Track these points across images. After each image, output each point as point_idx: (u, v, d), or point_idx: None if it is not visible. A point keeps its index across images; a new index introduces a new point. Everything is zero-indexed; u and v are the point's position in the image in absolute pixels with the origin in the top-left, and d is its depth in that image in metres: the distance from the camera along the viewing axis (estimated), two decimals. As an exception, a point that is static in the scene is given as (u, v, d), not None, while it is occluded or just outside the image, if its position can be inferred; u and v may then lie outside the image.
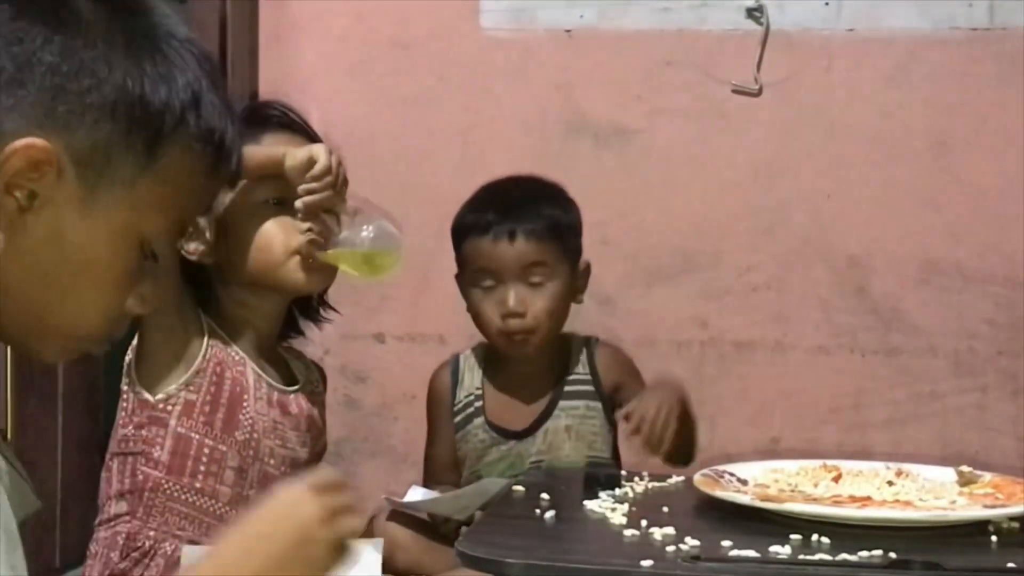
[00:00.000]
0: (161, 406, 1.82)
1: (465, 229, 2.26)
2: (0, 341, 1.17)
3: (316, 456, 2.00)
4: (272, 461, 1.89)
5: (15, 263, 1.09)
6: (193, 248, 1.87)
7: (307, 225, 1.88)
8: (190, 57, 1.12)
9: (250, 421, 1.87)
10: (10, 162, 1.06)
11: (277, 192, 1.88)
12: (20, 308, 1.11)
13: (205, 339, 1.85)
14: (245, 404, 1.86)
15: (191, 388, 1.83)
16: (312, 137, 1.95)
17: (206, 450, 1.83)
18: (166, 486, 1.82)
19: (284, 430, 1.92)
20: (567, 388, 2.29)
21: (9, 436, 2.18)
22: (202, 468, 1.83)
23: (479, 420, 2.29)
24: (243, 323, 1.91)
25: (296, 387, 1.96)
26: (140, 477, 1.83)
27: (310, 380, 2.01)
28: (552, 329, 2.25)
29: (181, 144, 1.12)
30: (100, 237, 1.11)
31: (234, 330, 1.90)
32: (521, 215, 2.24)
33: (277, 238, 1.88)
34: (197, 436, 1.83)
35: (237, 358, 1.88)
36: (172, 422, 1.82)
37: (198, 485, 1.82)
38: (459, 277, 2.30)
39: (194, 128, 1.12)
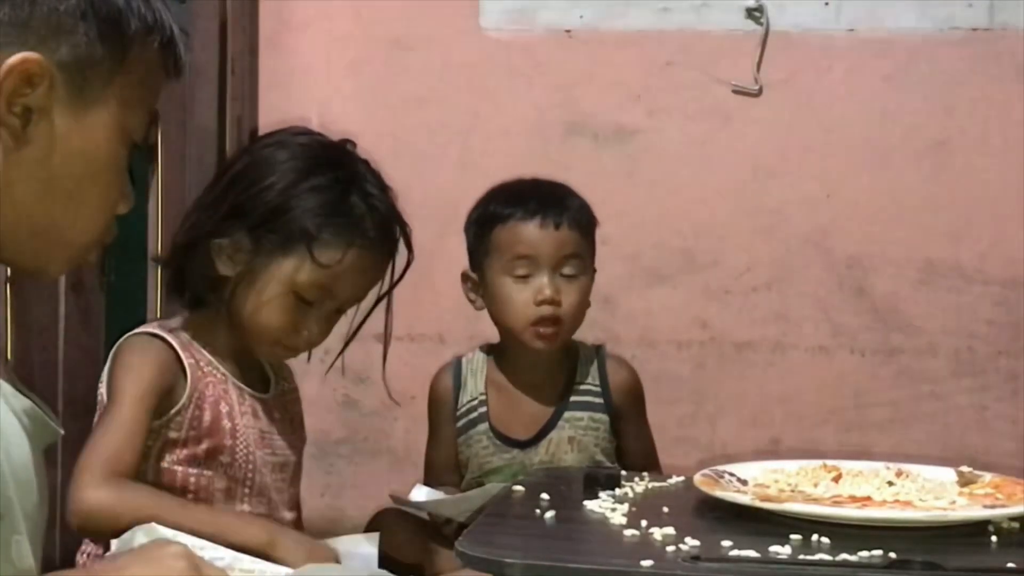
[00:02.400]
0: None
1: (504, 217, 2.23)
2: (6, 265, 1.24)
3: (300, 452, 2.00)
4: (265, 470, 1.88)
5: (23, 180, 1.16)
6: (222, 261, 1.86)
7: (310, 334, 1.87)
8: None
9: (244, 443, 1.86)
10: (7, 80, 1.13)
11: (315, 293, 1.85)
12: (32, 226, 1.17)
13: (188, 384, 1.83)
14: (235, 423, 1.85)
15: (172, 427, 1.81)
16: (393, 254, 1.92)
17: (191, 479, 1.83)
18: None
19: (272, 437, 1.91)
20: (573, 398, 2.28)
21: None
22: (191, 497, 1.82)
23: (483, 426, 2.28)
24: (230, 332, 1.90)
25: (271, 392, 1.96)
26: None
27: (284, 377, 2.01)
28: (574, 327, 2.25)
29: (141, 42, 1.22)
30: (96, 137, 1.19)
31: (219, 337, 1.89)
32: (566, 205, 2.24)
33: (277, 327, 1.86)
34: (181, 468, 1.82)
35: (219, 376, 1.87)
36: (151, 458, 1.81)
37: None
38: (479, 271, 2.28)
39: (150, 25, 1.23)
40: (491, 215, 2.25)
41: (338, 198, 1.86)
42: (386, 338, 1.99)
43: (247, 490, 1.85)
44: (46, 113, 1.16)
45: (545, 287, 2.20)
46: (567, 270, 2.22)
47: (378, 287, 1.94)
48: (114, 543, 1.67)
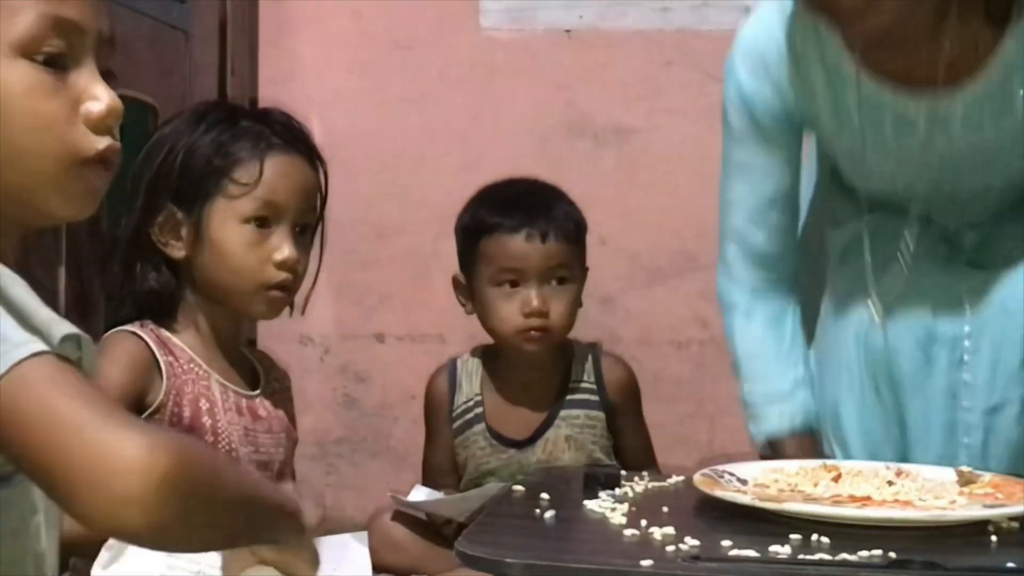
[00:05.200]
0: None
1: (489, 228, 2.23)
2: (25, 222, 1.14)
3: (290, 451, 2.00)
4: (249, 467, 1.87)
5: None
6: (169, 246, 1.86)
7: (283, 256, 1.85)
8: None
9: (226, 440, 1.85)
10: None
11: (262, 211, 1.85)
12: None
13: (164, 382, 1.82)
14: (217, 420, 1.84)
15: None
16: (313, 158, 1.93)
17: None
18: None
19: (256, 435, 1.90)
20: (569, 396, 2.28)
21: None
22: None
23: (479, 427, 2.28)
24: (210, 326, 1.89)
25: (259, 390, 1.95)
26: None
27: (275, 378, 2.00)
28: (565, 332, 2.26)
29: None
30: None
31: (199, 334, 1.88)
32: (552, 216, 2.24)
33: (249, 266, 1.85)
34: None
35: (200, 373, 1.85)
36: None
37: None
38: (468, 277, 2.28)
39: None
40: (478, 224, 2.25)
41: (229, 126, 1.87)
42: (319, 260, 1.95)
43: None
44: None
45: (532, 299, 2.21)
46: (555, 280, 2.23)
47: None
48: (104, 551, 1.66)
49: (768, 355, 2.06)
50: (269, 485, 1.24)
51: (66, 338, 1.04)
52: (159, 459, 0.97)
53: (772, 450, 2.05)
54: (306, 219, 1.91)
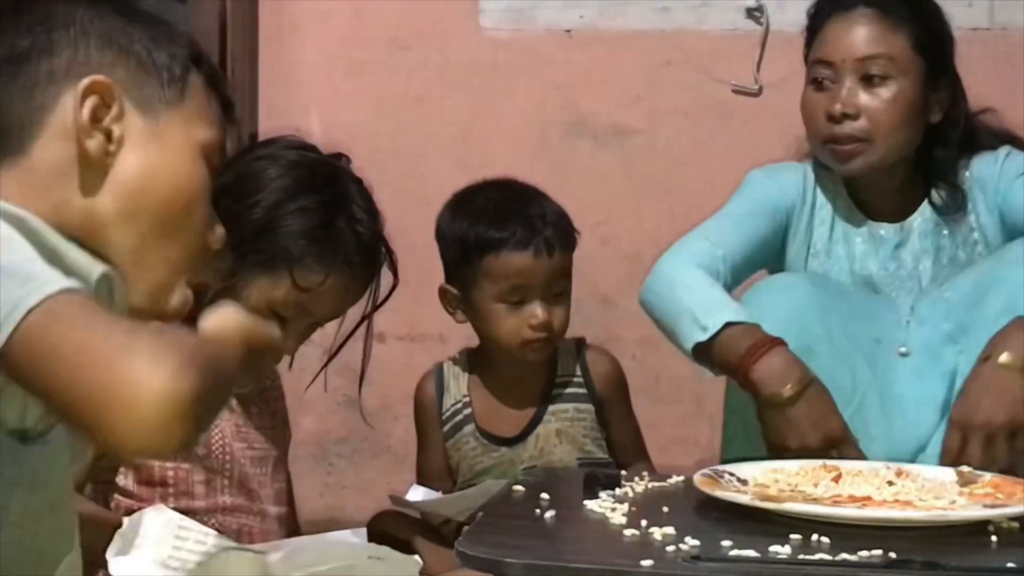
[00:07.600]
0: None
1: (495, 242, 2.21)
2: None
3: (284, 447, 2.00)
4: (244, 461, 1.89)
5: (115, 208, 1.19)
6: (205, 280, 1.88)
7: (292, 344, 1.88)
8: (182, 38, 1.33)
9: (219, 434, 1.86)
10: (84, 101, 1.18)
11: (291, 311, 1.87)
12: (126, 255, 1.19)
13: None
14: None
15: None
16: (374, 274, 1.96)
17: (169, 473, 1.84)
18: (139, 509, 1.82)
19: (248, 431, 1.92)
20: (556, 391, 2.29)
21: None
22: (171, 490, 1.84)
23: (469, 428, 2.28)
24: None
25: (248, 388, 1.96)
26: (113, 504, 1.84)
27: (265, 376, 2.01)
28: (563, 335, 2.26)
29: (196, 79, 1.28)
30: (176, 155, 1.23)
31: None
32: (553, 228, 2.23)
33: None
34: (157, 464, 1.83)
35: None
36: None
37: (171, 505, 1.81)
38: (463, 289, 2.27)
39: (204, 69, 1.30)
40: (479, 240, 2.22)
41: (323, 222, 1.87)
42: (364, 357, 2.02)
43: (226, 481, 1.86)
44: (126, 137, 1.20)
45: (538, 312, 2.20)
46: (556, 288, 2.23)
47: (367, 298, 1.97)
48: (126, 521, 1.68)
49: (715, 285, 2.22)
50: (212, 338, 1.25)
51: (101, 278, 1.12)
52: (183, 386, 1.01)
53: (713, 345, 2.12)
54: (326, 321, 1.95)
